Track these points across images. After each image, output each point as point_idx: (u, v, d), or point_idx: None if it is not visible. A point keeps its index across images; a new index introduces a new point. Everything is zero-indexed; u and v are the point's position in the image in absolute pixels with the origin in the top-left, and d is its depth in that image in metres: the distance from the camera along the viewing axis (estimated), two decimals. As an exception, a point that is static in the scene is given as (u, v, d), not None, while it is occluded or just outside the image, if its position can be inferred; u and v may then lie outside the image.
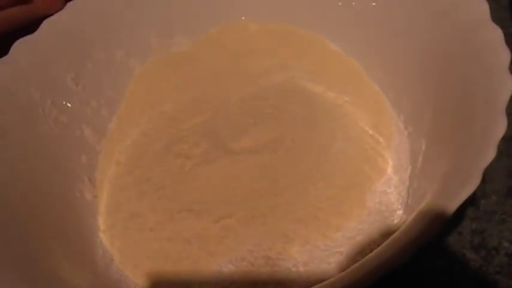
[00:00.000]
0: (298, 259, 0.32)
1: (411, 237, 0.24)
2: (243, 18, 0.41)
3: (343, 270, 0.23)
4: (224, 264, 0.32)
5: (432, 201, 0.25)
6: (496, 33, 0.29)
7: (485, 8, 0.30)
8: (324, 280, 0.23)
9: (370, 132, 0.36)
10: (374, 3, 0.37)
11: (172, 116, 0.40)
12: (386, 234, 0.32)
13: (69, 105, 0.37)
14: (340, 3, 0.39)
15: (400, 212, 0.33)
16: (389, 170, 0.35)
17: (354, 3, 0.38)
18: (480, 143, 0.25)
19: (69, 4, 0.37)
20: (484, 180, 0.24)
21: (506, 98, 0.26)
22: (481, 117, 0.27)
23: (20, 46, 0.35)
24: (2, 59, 0.35)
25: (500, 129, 0.25)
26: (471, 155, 0.25)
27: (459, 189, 0.24)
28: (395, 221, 0.32)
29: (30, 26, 0.37)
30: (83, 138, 0.38)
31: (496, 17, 0.42)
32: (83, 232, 0.35)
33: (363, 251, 0.32)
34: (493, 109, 0.26)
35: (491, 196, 0.35)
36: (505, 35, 0.41)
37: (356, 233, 0.33)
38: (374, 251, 0.24)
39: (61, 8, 0.37)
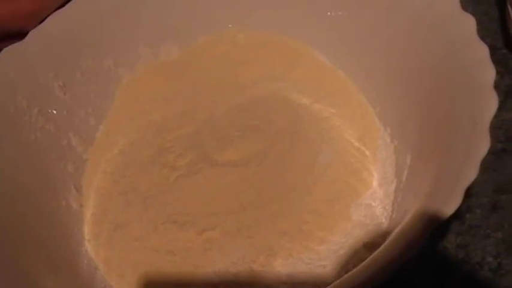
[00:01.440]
0: (282, 272, 0.32)
1: (392, 255, 0.24)
2: (230, 26, 0.41)
3: (327, 284, 0.24)
4: (208, 276, 0.33)
5: (413, 219, 0.25)
6: (483, 51, 0.29)
7: (473, 25, 0.30)
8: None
9: (356, 144, 0.36)
10: (363, 15, 0.37)
11: (159, 125, 0.40)
12: (371, 248, 0.32)
13: (56, 113, 0.37)
14: (329, 13, 0.38)
15: (384, 226, 0.33)
16: (375, 183, 0.35)
17: (340, 13, 0.38)
18: (463, 162, 0.25)
19: (56, 12, 0.37)
20: (469, 194, 0.24)
21: (491, 116, 0.26)
22: (466, 135, 0.27)
23: (7, 54, 0.35)
24: (-12, 67, 0.34)
25: (483, 148, 0.25)
26: (454, 174, 0.25)
27: (440, 208, 0.24)
28: (380, 235, 0.32)
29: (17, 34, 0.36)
30: (70, 146, 0.38)
31: (486, 30, 0.42)
32: (68, 241, 0.35)
33: (346, 264, 0.32)
34: (477, 127, 0.26)
35: (476, 210, 0.35)
36: (494, 48, 0.42)
37: (340, 246, 0.33)
38: (357, 267, 0.24)
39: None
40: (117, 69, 0.40)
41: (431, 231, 0.24)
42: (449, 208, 0.24)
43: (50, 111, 0.37)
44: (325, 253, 0.32)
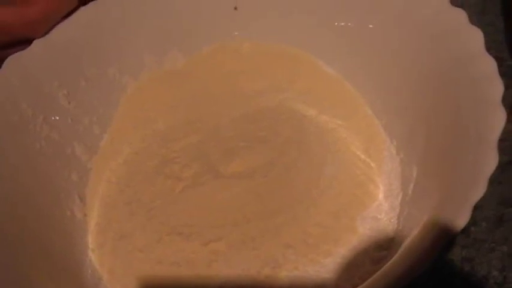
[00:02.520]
0: (287, 284, 0.32)
1: (403, 270, 0.24)
2: (236, 33, 0.41)
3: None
4: (212, 288, 0.32)
5: (422, 235, 0.25)
6: (490, 65, 0.28)
7: (481, 38, 0.30)
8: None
9: (362, 157, 0.36)
10: (371, 25, 0.37)
11: (164, 135, 0.40)
12: (377, 261, 0.32)
13: (61, 122, 0.37)
14: (336, 24, 0.38)
15: (390, 239, 0.33)
16: (381, 195, 0.35)
17: (350, 24, 0.38)
18: (471, 178, 0.25)
19: (62, 21, 0.37)
20: (474, 207, 0.24)
21: (498, 132, 0.26)
22: (473, 150, 0.26)
23: (12, 62, 0.35)
24: (-6, 75, 0.34)
25: (492, 165, 0.25)
26: (461, 189, 0.25)
27: (449, 224, 0.24)
28: (386, 248, 0.32)
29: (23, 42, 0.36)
30: (74, 155, 0.38)
31: (491, 41, 0.42)
32: (72, 251, 0.35)
33: (352, 277, 0.32)
34: (485, 143, 0.26)
35: (482, 223, 0.35)
36: (500, 59, 0.41)
37: (346, 259, 0.33)
38: (367, 281, 0.24)
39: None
40: (121, 78, 0.40)
41: (441, 247, 0.24)
42: (458, 224, 0.24)
43: (55, 119, 0.37)
44: (330, 266, 0.32)
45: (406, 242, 0.26)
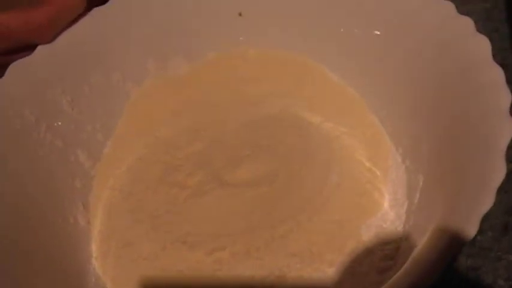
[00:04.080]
0: (291, 294, 0.32)
1: (406, 285, 0.23)
2: (241, 38, 0.41)
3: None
4: (217, 298, 0.32)
5: (428, 248, 0.25)
6: (498, 73, 0.28)
7: (488, 47, 0.29)
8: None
9: (367, 164, 0.36)
10: (377, 32, 0.36)
11: (168, 142, 0.39)
12: (382, 270, 0.32)
13: (64, 129, 0.37)
14: (342, 30, 0.38)
15: (395, 248, 0.32)
16: (386, 204, 0.34)
17: (356, 30, 0.38)
18: (478, 188, 0.25)
19: (68, 27, 0.37)
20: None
21: (506, 142, 0.26)
22: (480, 160, 0.26)
23: (15, 68, 0.35)
24: (-4, 82, 0.34)
25: (500, 176, 0.25)
26: (468, 200, 0.25)
27: (456, 236, 0.24)
28: (391, 258, 0.32)
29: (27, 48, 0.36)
30: (78, 162, 0.37)
31: (497, 47, 0.42)
32: (75, 258, 0.35)
33: (356, 287, 0.32)
34: (492, 153, 0.26)
35: (487, 232, 0.35)
36: (505, 66, 0.41)
37: (351, 268, 0.32)
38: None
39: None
40: (125, 84, 0.40)
41: (449, 258, 0.23)
42: (466, 235, 0.24)
43: (58, 126, 0.36)
44: (335, 275, 0.32)
45: (414, 253, 0.26)
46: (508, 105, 0.27)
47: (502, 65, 0.31)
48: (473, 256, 0.34)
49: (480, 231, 0.34)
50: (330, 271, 0.32)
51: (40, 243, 0.33)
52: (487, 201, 0.24)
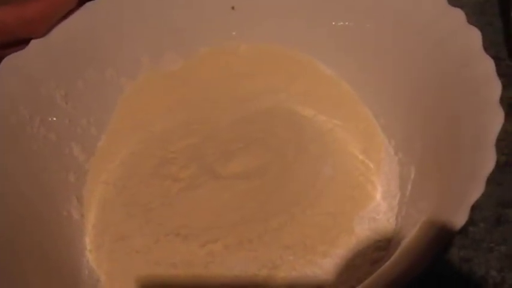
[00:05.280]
0: (284, 286, 0.32)
1: (401, 270, 0.23)
2: (233, 33, 0.41)
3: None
4: (210, 290, 0.32)
5: (420, 236, 0.25)
6: (488, 65, 0.28)
7: (478, 39, 0.29)
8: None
9: (360, 157, 0.36)
10: (368, 25, 0.36)
11: (161, 136, 0.40)
12: (375, 262, 0.32)
13: (58, 123, 0.37)
14: (333, 23, 0.38)
15: (388, 240, 0.33)
16: (378, 196, 0.35)
17: (345, 23, 0.38)
18: (469, 178, 0.25)
19: (61, 21, 0.37)
20: (472, 207, 0.24)
21: (496, 132, 0.26)
22: (471, 151, 0.26)
23: (8, 63, 0.35)
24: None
25: (489, 165, 0.25)
26: (459, 190, 0.25)
27: (446, 224, 0.24)
28: (384, 249, 0.32)
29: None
30: (72, 156, 0.37)
31: (490, 41, 0.42)
32: (69, 252, 0.35)
33: (350, 279, 0.32)
34: (482, 143, 0.26)
35: (480, 224, 0.35)
36: (498, 59, 0.42)
37: (344, 260, 0.32)
38: (367, 280, 0.24)
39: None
40: (119, 79, 0.40)
41: (439, 247, 0.24)
42: (456, 224, 0.24)
43: (52, 120, 0.36)
44: (328, 267, 0.32)
45: (404, 243, 0.26)
46: (498, 97, 0.27)
47: (496, 58, 0.31)
48: (466, 247, 0.34)
49: (473, 223, 0.35)
50: (323, 263, 0.32)
51: (33, 236, 0.33)
52: (476, 190, 0.24)
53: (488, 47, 0.29)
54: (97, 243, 0.36)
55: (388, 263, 0.25)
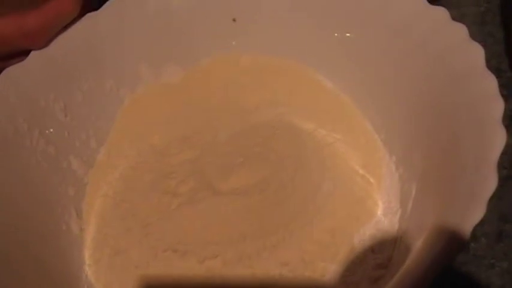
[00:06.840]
0: (284, 303, 0.32)
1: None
2: (233, 43, 0.41)
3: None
4: (208, 306, 0.32)
5: (417, 260, 0.25)
6: (491, 82, 0.28)
7: (481, 55, 0.29)
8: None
9: (361, 172, 0.36)
10: (370, 39, 0.36)
11: (161, 149, 0.39)
12: (375, 280, 0.31)
13: (57, 136, 0.36)
14: (336, 34, 0.38)
15: (389, 257, 0.32)
16: (379, 212, 0.34)
17: (347, 35, 0.37)
18: (469, 200, 0.25)
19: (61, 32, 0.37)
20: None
21: (498, 153, 0.25)
22: (472, 170, 0.26)
23: (7, 75, 0.35)
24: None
25: (491, 186, 0.25)
26: (460, 211, 0.25)
27: (445, 250, 0.24)
28: (384, 267, 0.32)
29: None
30: (71, 169, 0.37)
31: (491, 52, 0.42)
32: (68, 266, 0.35)
33: (349, 296, 0.32)
34: (484, 163, 0.25)
35: (481, 239, 0.35)
36: (499, 70, 0.41)
37: (343, 277, 0.32)
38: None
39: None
40: (118, 91, 0.39)
41: (440, 269, 0.23)
42: (456, 247, 0.24)
43: (51, 133, 0.36)
44: (327, 284, 0.32)
45: (406, 263, 0.26)
46: (501, 115, 0.27)
47: (497, 69, 0.31)
48: (467, 263, 0.34)
49: (474, 239, 0.35)
50: (322, 280, 0.32)
51: (32, 250, 0.33)
52: (477, 213, 0.24)
53: (489, 58, 0.29)
54: (96, 257, 0.36)
55: (390, 283, 0.24)
